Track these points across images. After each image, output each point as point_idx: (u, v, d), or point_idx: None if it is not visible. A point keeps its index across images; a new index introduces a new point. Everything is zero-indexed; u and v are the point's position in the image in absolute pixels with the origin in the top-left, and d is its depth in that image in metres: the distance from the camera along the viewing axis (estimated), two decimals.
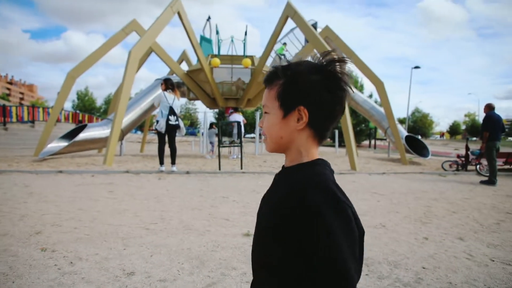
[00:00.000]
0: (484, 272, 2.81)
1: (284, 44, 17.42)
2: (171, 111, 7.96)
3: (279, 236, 0.80)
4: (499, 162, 11.38)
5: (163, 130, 7.97)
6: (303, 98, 0.84)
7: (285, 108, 0.86)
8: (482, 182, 8.26)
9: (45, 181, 6.56)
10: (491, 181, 8.07)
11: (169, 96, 8.05)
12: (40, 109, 19.34)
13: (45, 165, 8.80)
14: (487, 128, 8.09)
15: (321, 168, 0.85)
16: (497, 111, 8.34)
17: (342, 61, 0.84)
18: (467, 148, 10.86)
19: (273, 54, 16.27)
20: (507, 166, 11.25)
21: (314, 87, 0.83)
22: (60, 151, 10.15)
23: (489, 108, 8.32)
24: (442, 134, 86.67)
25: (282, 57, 17.54)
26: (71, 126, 15.60)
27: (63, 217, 4.05)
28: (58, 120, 17.59)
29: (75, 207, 4.57)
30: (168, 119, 7.92)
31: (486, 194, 6.71)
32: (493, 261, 3.08)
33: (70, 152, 10.92)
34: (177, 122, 8.03)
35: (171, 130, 8.06)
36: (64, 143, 10.47)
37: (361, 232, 0.80)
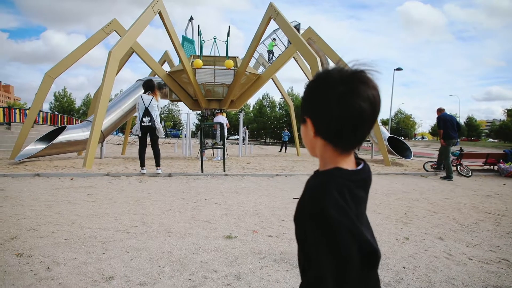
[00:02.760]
0: (463, 271, 2.86)
1: (274, 39, 17.41)
2: (146, 113, 7.85)
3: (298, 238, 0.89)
4: (479, 163, 11.72)
5: (138, 133, 7.86)
6: (308, 108, 0.88)
7: (301, 115, 0.91)
8: (442, 178, 9.28)
9: (22, 185, 6.37)
10: (448, 177, 9.13)
11: (146, 97, 7.93)
12: (17, 111, 18.83)
13: (21, 168, 8.57)
14: (441, 126, 9.31)
15: (327, 178, 0.85)
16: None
17: (360, 73, 0.83)
18: None
19: (256, 55, 16.29)
20: (487, 167, 11.51)
21: (314, 97, 0.86)
22: (38, 153, 9.89)
23: (440, 111, 9.64)
24: (414, 135, 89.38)
25: (271, 54, 17.57)
26: (49, 128, 15.22)
27: (40, 221, 3.94)
28: (36, 122, 17.15)
29: (52, 211, 4.45)
30: (141, 121, 7.80)
31: (466, 194, 6.85)
32: (472, 260, 3.13)
33: (48, 155, 10.66)
34: (150, 123, 7.85)
35: (150, 132, 7.94)
36: (41, 146, 10.21)
37: (367, 252, 0.81)
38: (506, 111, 66.76)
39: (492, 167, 11.42)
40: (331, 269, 0.77)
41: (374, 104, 0.82)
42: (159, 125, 8.00)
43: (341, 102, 0.81)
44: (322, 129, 0.86)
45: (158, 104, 8.11)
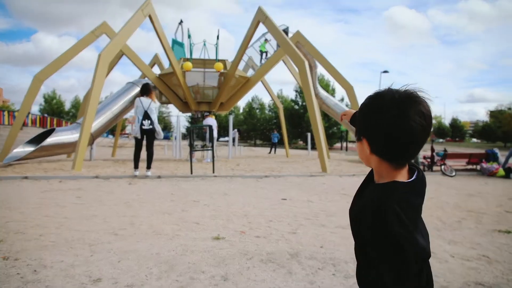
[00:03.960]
0: (445, 268, 2.94)
1: (266, 40, 17.40)
2: (145, 116, 7.90)
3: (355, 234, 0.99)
4: (462, 162, 11.95)
5: (138, 136, 7.91)
6: (364, 129, 0.96)
7: (357, 134, 0.99)
8: None
9: (10, 188, 6.33)
10: None
11: (145, 100, 7.98)
12: (5, 113, 18.61)
13: (10, 170, 8.50)
14: None
15: (387, 193, 0.90)
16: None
17: (414, 98, 0.89)
18: (432, 150, 11.26)
19: (245, 58, 16.34)
20: (470, 166, 11.73)
21: (370, 119, 0.93)
22: (27, 156, 9.81)
23: None
24: None
25: (264, 54, 17.58)
26: (38, 131, 15.08)
27: (28, 224, 3.94)
28: (25, 124, 16.98)
29: (40, 213, 4.44)
30: (141, 124, 7.85)
31: (450, 193, 6.99)
32: (453, 257, 3.22)
33: (37, 157, 10.58)
34: (151, 127, 7.93)
35: (148, 134, 8.00)
36: (30, 148, 10.13)
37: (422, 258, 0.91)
38: (489, 112, 67.78)
39: (475, 166, 11.65)
40: (392, 277, 0.86)
41: (426, 124, 0.88)
42: (158, 127, 8.09)
43: (395, 125, 0.87)
44: (377, 148, 0.93)
45: (156, 106, 8.21)
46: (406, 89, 0.92)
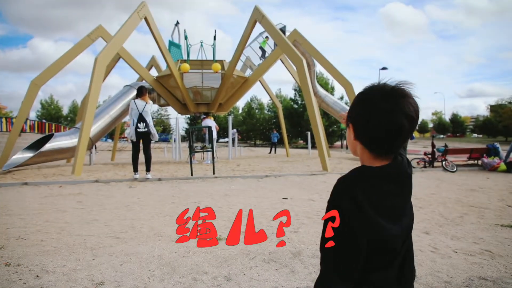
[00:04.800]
0: (447, 264, 2.94)
1: (267, 37, 17.36)
2: (140, 118, 7.87)
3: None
4: (464, 158, 11.95)
5: (133, 138, 7.89)
6: (352, 115, 0.98)
7: (347, 120, 1.03)
8: None
9: (9, 194, 6.32)
10: None
11: (140, 103, 7.96)
12: (3, 119, 18.59)
13: (9, 177, 8.48)
14: None
15: (353, 175, 0.95)
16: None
17: (399, 91, 0.91)
18: (433, 146, 11.26)
19: (243, 58, 16.32)
20: (471, 162, 11.73)
21: (358, 107, 0.96)
22: (26, 162, 9.80)
23: None
24: None
25: (264, 51, 17.52)
26: (37, 136, 15.05)
27: (29, 230, 3.92)
28: (23, 130, 16.95)
29: (41, 219, 4.43)
30: (136, 127, 7.83)
31: (451, 189, 6.98)
32: (456, 252, 3.21)
33: (37, 163, 10.57)
34: (146, 129, 7.91)
35: (144, 137, 7.98)
36: (29, 154, 10.11)
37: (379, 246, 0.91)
38: (489, 106, 67.60)
39: (476, 161, 11.65)
40: (334, 250, 0.89)
41: (412, 120, 0.90)
42: (153, 130, 8.06)
43: (381, 118, 0.90)
44: (360, 136, 0.96)
45: (151, 108, 8.18)
46: (397, 84, 0.93)
